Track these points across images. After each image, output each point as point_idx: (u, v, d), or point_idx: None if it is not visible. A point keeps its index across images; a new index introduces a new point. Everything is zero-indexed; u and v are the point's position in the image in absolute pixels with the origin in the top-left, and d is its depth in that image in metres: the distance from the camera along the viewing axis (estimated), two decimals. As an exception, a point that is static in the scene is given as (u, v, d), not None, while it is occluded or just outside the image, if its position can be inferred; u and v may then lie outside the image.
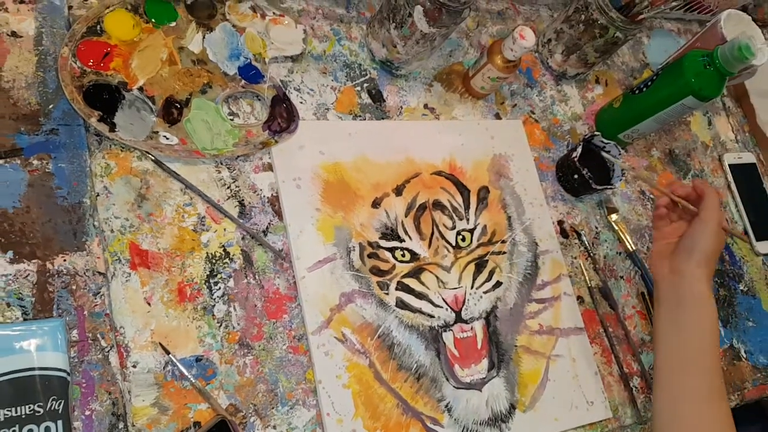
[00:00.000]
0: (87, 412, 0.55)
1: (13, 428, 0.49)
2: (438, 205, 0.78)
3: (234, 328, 0.64)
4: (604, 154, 0.86)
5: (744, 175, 1.05)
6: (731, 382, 0.91)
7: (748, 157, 1.07)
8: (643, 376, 0.83)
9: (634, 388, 0.81)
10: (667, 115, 0.85)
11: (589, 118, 0.96)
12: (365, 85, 0.80)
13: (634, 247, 0.89)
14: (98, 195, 0.62)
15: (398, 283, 0.72)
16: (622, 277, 0.88)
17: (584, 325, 0.81)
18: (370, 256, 0.72)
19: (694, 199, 0.74)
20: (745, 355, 0.94)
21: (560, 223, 0.86)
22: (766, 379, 0.93)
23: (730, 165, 1.04)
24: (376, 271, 0.72)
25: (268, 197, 0.70)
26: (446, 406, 0.69)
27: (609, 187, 0.85)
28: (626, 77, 1.03)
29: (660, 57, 1.05)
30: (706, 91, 0.80)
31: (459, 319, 0.73)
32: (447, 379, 0.71)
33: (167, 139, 0.65)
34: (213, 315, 0.63)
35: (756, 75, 1.00)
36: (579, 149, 0.84)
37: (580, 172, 0.84)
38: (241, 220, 0.67)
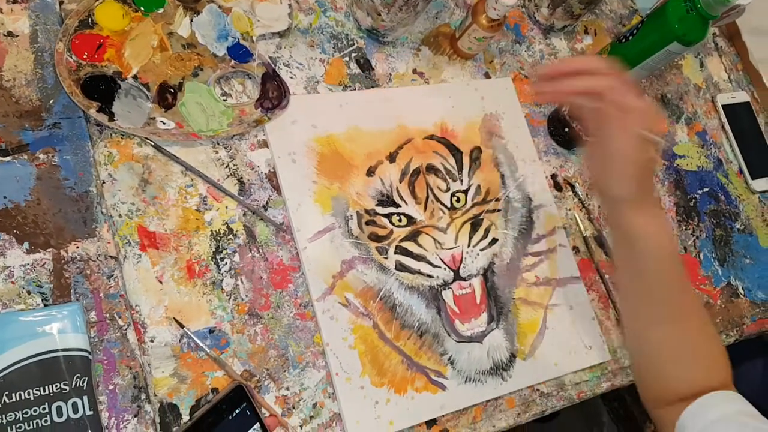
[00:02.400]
0: (110, 387, 0.59)
1: (43, 405, 0.54)
2: (431, 168, 0.80)
3: (243, 299, 0.68)
4: None
5: (738, 114, 1.05)
6: (730, 318, 0.94)
7: (742, 96, 1.07)
8: (641, 318, 0.86)
9: (632, 331, 0.84)
10: (655, 63, 0.86)
11: (579, 69, 0.97)
12: (353, 54, 0.82)
13: (628, 195, 0.91)
14: (104, 183, 0.65)
15: (397, 247, 0.75)
16: (617, 225, 0.90)
17: (580, 274, 0.84)
18: (367, 223, 0.75)
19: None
20: (743, 292, 0.96)
21: (553, 176, 0.88)
22: (765, 314, 0.96)
23: (723, 105, 1.05)
24: (375, 237, 0.75)
25: (265, 173, 0.73)
26: (449, 359, 0.73)
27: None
28: (615, 25, 1.03)
29: (648, 2, 1.05)
30: (690, 36, 0.81)
31: (457, 277, 0.77)
32: (448, 334, 0.74)
33: (164, 124, 0.68)
34: (222, 289, 0.67)
35: (746, 12, 0.99)
36: (568, 103, 0.86)
37: (571, 125, 0.85)
38: (242, 197, 0.70)
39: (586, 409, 1.50)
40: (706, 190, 0.99)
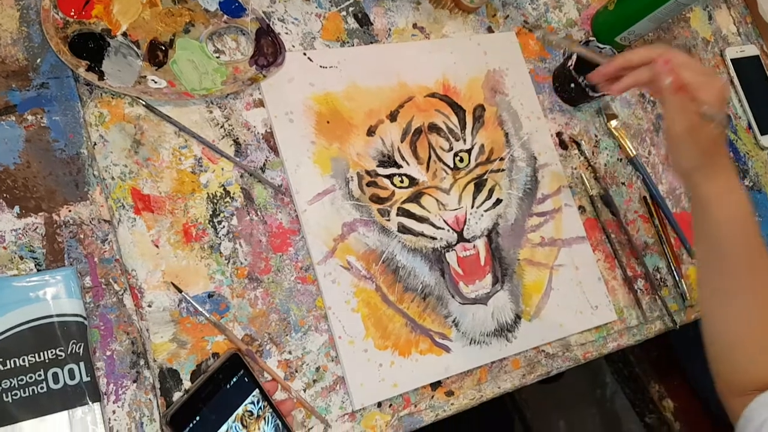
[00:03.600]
0: (108, 353, 0.58)
1: (39, 372, 0.52)
2: (434, 127, 0.78)
3: (242, 263, 0.66)
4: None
5: (747, 68, 1.02)
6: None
7: (751, 50, 1.04)
8: (647, 277, 0.84)
9: (638, 290, 0.83)
10: (663, 14, 0.83)
11: (585, 23, 0.94)
12: (351, 8, 0.79)
13: (634, 152, 0.89)
14: (95, 144, 0.63)
15: (399, 209, 0.73)
16: (623, 183, 0.88)
17: (586, 234, 0.82)
18: (368, 184, 0.73)
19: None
20: (750, 251, 0.94)
21: (559, 134, 0.86)
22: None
23: (732, 59, 1.02)
24: (376, 199, 0.73)
25: (262, 134, 0.70)
26: (453, 321, 0.72)
27: (606, 93, 0.84)
28: (622, -23, 0.99)
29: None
30: (701, -14, 0.78)
31: (461, 238, 0.75)
32: (453, 296, 0.73)
33: (155, 82, 0.66)
34: (220, 253, 0.65)
35: (758, -38, 0.96)
36: (574, 57, 0.83)
37: (577, 81, 0.83)
38: (238, 159, 0.68)
39: (589, 370, 1.50)
40: (715, 147, 0.97)
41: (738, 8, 1.08)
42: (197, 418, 0.55)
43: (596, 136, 0.89)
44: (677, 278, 0.85)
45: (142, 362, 0.59)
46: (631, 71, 0.64)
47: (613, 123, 0.89)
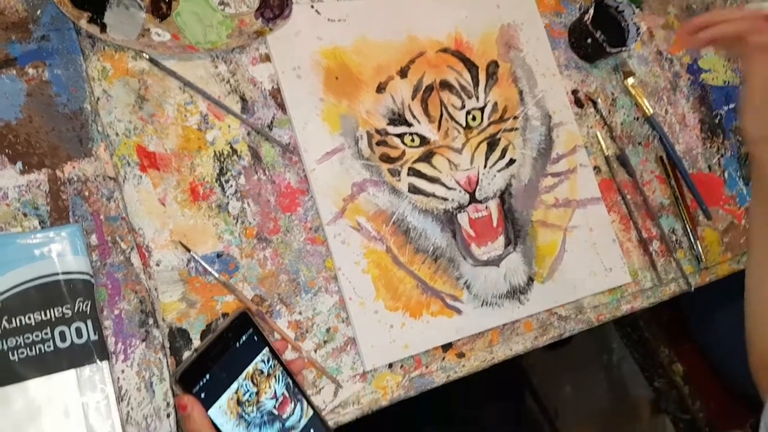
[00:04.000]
0: (116, 312, 0.57)
1: (45, 330, 0.51)
2: (445, 84, 0.75)
3: (250, 223, 0.65)
4: None
5: None
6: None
7: (774, 6, 1.01)
8: (663, 239, 0.83)
9: (653, 252, 0.82)
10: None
11: (602, -23, 0.90)
12: (361, -39, 0.76)
13: (651, 111, 0.86)
14: (98, 99, 0.61)
15: (409, 168, 0.71)
16: (639, 143, 0.86)
17: (601, 195, 0.80)
18: (378, 143, 0.71)
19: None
20: None
21: (574, 92, 0.84)
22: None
23: (754, 16, 0.98)
24: (386, 159, 0.71)
25: (269, 90, 0.68)
26: (465, 283, 0.71)
27: (623, 48, 0.81)
28: (642, -71, 0.96)
29: None
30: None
31: (473, 199, 0.73)
32: (464, 258, 0.72)
33: (159, 35, 0.63)
34: (228, 212, 0.64)
35: None
36: (591, 11, 0.80)
37: (593, 36, 0.80)
38: (245, 116, 0.66)
39: (596, 335, 1.50)
40: (732, 106, 0.95)
41: (761, -38, 1.04)
42: (207, 376, 0.54)
43: (613, 94, 0.86)
44: (693, 240, 0.84)
45: (151, 321, 0.58)
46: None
47: (630, 80, 0.87)
